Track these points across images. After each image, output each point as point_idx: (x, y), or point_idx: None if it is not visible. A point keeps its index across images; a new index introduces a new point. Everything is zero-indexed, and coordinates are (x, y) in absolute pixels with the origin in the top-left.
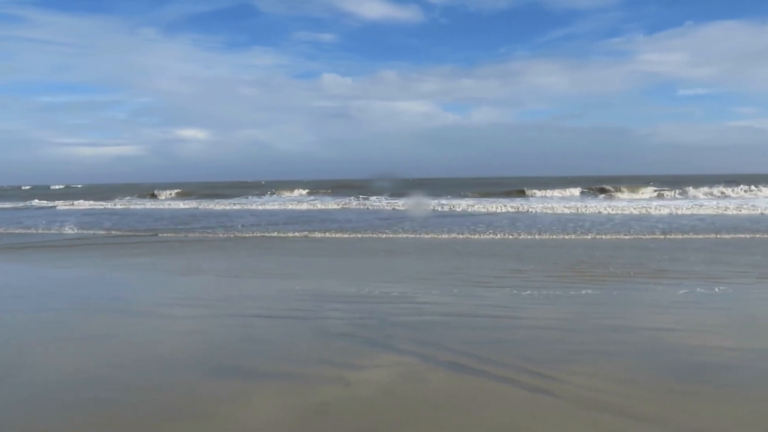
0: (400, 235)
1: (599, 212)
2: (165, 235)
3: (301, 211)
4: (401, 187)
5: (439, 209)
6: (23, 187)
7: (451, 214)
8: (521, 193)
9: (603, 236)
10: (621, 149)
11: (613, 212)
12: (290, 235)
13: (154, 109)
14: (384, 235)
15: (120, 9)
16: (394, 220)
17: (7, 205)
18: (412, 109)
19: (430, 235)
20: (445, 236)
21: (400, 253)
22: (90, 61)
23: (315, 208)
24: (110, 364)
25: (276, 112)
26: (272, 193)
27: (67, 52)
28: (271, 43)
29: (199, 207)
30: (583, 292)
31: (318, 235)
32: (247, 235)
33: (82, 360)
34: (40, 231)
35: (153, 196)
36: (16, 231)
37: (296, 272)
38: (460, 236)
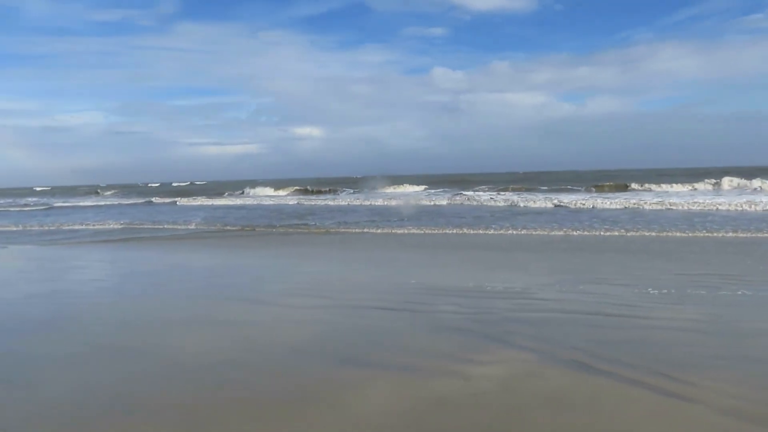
0: (510, 232)
1: (738, 209)
2: (281, 228)
3: (411, 207)
4: (513, 181)
5: (550, 205)
6: (150, 185)
7: (567, 209)
8: (641, 186)
9: (740, 234)
10: (762, 138)
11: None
12: (398, 231)
13: (272, 109)
14: (493, 231)
15: (243, 15)
16: (505, 215)
17: (139, 200)
18: (525, 100)
19: (542, 232)
20: (560, 233)
21: (514, 249)
22: (216, 66)
23: (428, 203)
24: (243, 348)
25: (387, 108)
26: (376, 189)
27: (196, 59)
28: (382, 40)
29: (318, 203)
30: (720, 293)
31: (428, 231)
32: (359, 230)
33: (217, 343)
34: (165, 226)
35: (271, 190)
36: (146, 226)
37: (411, 266)
38: (575, 233)
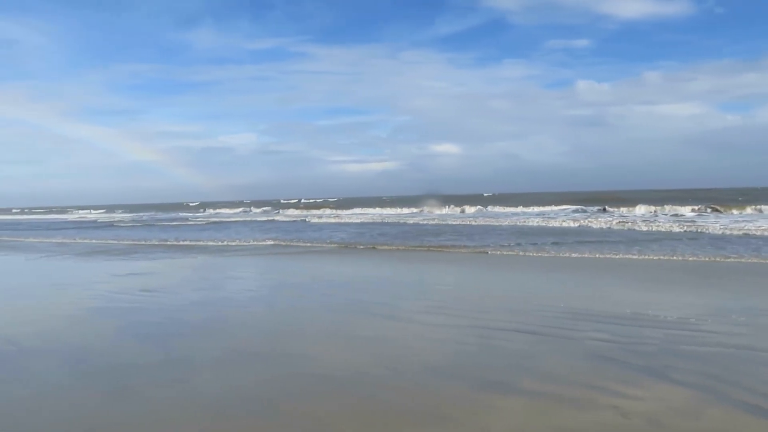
0: (665, 257)
1: None
2: (419, 246)
3: (544, 227)
4: (666, 200)
5: (705, 228)
6: (295, 200)
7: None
8: None
9: None
10: None
11: None
12: (544, 254)
13: (411, 127)
14: (639, 256)
15: (385, 38)
16: (657, 237)
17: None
18: (679, 111)
19: (702, 258)
20: (728, 259)
21: (669, 276)
22: (358, 86)
23: (572, 224)
24: (376, 363)
25: (526, 123)
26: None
27: (339, 80)
28: (522, 55)
29: (455, 221)
30: None
31: (566, 255)
32: (503, 251)
33: (353, 356)
34: (309, 243)
35: (409, 209)
36: (296, 243)
37: (557, 289)
38: (744, 260)
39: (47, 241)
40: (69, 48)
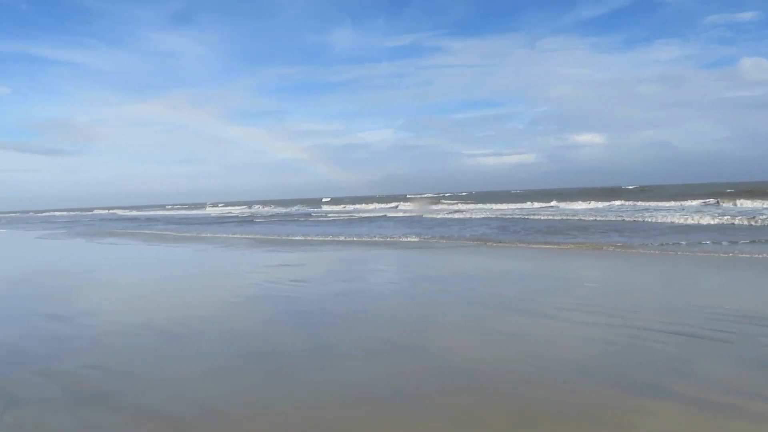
0: None
1: None
2: (562, 243)
3: (695, 225)
4: None
5: None
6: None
7: None
8: None
9: None
10: None
11: None
12: (687, 253)
13: (550, 117)
14: None
15: (521, 26)
16: None
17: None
18: None
19: None
20: None
21: None
22: (494, 78)
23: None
24: (517, 359)
25: (679, 108)
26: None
27: (475, 73)
28: (676, 34)
29: (599, 217)
30: None
31: (731, 254)
32: (652, 250)
33: (498, 353)
34: (447, 239)
35: (549, 201)
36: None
37: (722, 290)
38: None
39: (215, 236)
40: (224, 56)
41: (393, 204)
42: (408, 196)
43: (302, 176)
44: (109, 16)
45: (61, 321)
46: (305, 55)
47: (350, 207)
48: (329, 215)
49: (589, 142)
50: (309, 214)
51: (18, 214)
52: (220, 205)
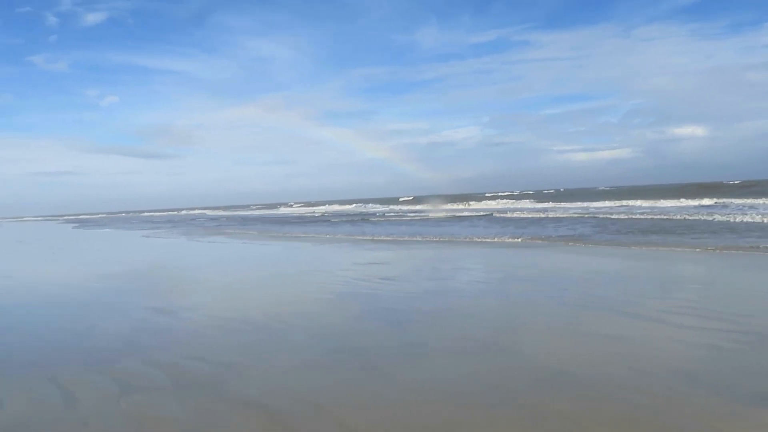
0: None
1: None
2: (661, 244)
3: None
4: None
5: None
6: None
7: None
8: None
9: None
10: None
11: None
12: None
13: (646, 110)
14: None
15: (614, 16)
16: None
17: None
18: None
19: None
20: None
21: None
22: (585, 71)
23: None
24: (622, 364)
25: None
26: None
27: (564, 66)
28: None
29: (703, 216)
30: None
31: None
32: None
33: (593, 355)
34: (536, 238)
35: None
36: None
37: None
38: None
39: (305, 235)
40: (313, 59)
41: (478, 203)
42: (487, 194)
43: (389, 175)
44: (206, 25)
45: (167, 314)
46: (391, 55)
47: (458, 206)
48: (414, 214)
49: (690, 135)
50: (396, 213)
51: (123, 214)
52: (308, 204)
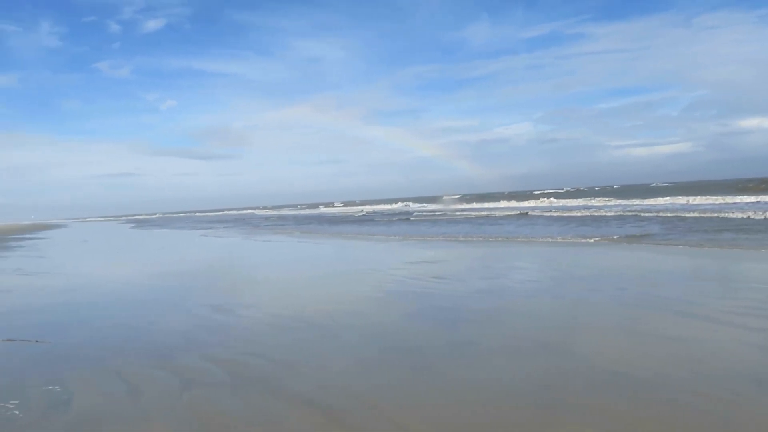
0: None
1: None
2: (729, 244)
3: None
4: None
5: None
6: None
7: None
8: None
9: None
10: None
11: None
12: None
13: (708, 102)
14: None
15: (673, 4)
16: None
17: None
18: None
19: None
20: None
21: None
22: (643, 63)
23: None
24: (684, 367)
25: None
26: None
27: (621, 58)
28: None
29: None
30: None
31: None
32: None
33: (653, 356)
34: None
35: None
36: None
37: None
38: None
39: (358, 234)
40: (363, 58)
41: (536, 201)
42: (540, 191)
43: (440, 173)
44: (259, 28)
45: (224, 312)
46: (441, 53)
47: (486, 204)
48: (456, 213)
49: (757, 127)
50: (445, 212)
51: (180, 214)
52: (354, 204)
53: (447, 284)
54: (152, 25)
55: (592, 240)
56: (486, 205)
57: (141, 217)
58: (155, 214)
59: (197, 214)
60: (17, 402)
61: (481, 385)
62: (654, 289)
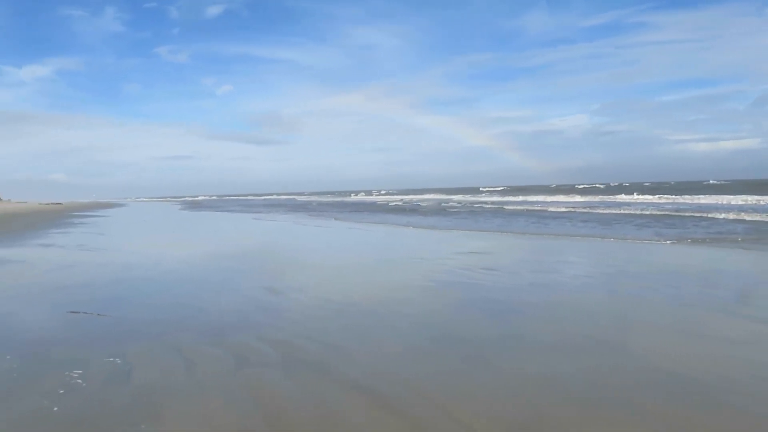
0: None
1: None
2: None
3: None
4: None
5: None
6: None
7: None
8: None
9: None
10: None
11: None
12: None
13: None
14: None
15: None
16: None
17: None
18: None
19: None
20: None
21: None
22: (709, 54)
23: None
24: (752, 373)
25: None
26: None
27: (686, 48)
28: None
29: None
30: None
31: None
32: None
33: (711, 358)
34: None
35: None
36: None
37: None
38: None
39: (407, 223)
40: (417, 46)
41: (594, 197)
42: (582, 186)
43: (491, 163)
44: (313, 14)
45: (276, 294)
46: (497, 41)
47: (539, 198)
48: (507, 206)
49: None
50: (497, 203)
51: (233, 197)
52: (406, 192)
53: (497, 276)
54: (211, 11)
55: (668, 243)
56: (530, 198)
57: (199, 198)
58: (212, 196)
59: (249, 197)
60: (80, 372)
61: (531, 379)
62: (714, 290)
